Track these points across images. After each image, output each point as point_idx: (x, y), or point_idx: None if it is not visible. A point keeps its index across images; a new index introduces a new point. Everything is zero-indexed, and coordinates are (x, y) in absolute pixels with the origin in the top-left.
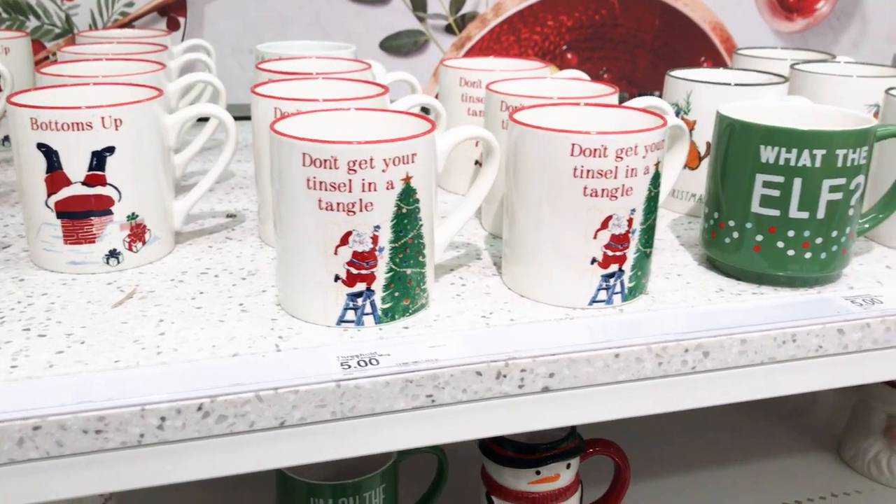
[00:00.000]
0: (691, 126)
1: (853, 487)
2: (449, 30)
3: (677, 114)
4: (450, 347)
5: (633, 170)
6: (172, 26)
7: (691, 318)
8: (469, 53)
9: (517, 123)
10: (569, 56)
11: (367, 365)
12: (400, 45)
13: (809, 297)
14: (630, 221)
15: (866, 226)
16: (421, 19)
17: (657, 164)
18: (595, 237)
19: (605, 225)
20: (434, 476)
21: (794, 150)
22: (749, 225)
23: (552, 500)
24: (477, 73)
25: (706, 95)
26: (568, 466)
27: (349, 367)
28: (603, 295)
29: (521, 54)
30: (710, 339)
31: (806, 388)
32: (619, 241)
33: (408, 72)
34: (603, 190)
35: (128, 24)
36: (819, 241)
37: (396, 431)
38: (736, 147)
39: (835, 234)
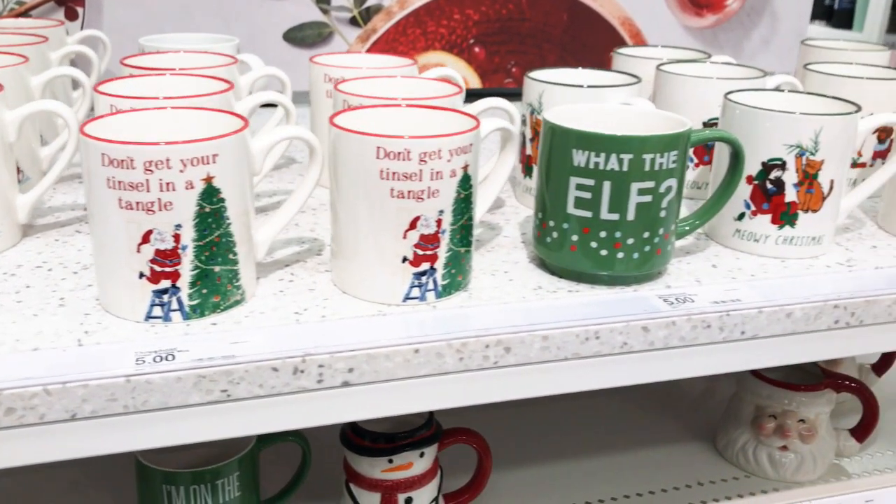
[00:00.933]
0: None
1: (723, 476)
2: (354, 22)
3: (532, 114)
4: (251, 344)
5: (437, 173)
6: (70, 16)
7: (499, 314)
8: (374, 46)
9: (332, 125)
10: (476, 50)
11: (163, 360)
12: (304, 37)
13: (624, 296)
14: (439, 222)
15: (686, 228)
16: (325, 11)
17: (465, 167)
18: (404, 237)
19: (413, 225)
20: (298, 465)
21: (603, 155)
22: (566, 225)
23: (406, 488)
24: (340, 69)
25: (558, 96)
26: (421, 455)
27: (143, 362)
28: (416, 292)
29: (427, 48)
30: (511, 335)
31: (610, 384)
32: (429, 241)
33: None
34: (409, 192)
35: (24, 14)
36: (630, 241)
37: (193, 425)
38: (554, 150)
39: (646, 235)
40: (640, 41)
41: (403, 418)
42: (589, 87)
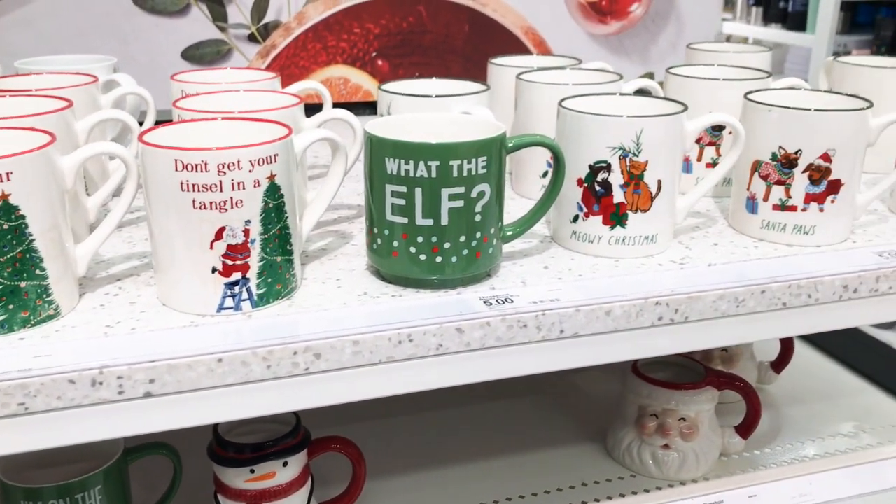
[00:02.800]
0: None
1: (609, 476)
2: (253, 38)
3: None
4: (52, 357)
5: (239, 183)
6: None
7: (315, 321)
8: (274, 62)
9: (139, 142)
10: (379, 63)
11: None
12: (202, 55)
13: (446, 299)
14: (246, 232)
15: (509, 233)
16: (222, 29)
17: (272, 177)
18: (211, 247)
19: (219, 236)
20: (171, 477)
21: (412, 162)
22: (386, 232)
23: (271, 498)
24: (195, 85)
25: (405, 106)
26: (285, 464)
27: None
28: (230, 302)
29: (329, 62)
30: (320, 341)
31: (426, 386)
32: (237, 251)
33: None
34: (211, 203)
35: None
36: (447, 245)
37: None
38: (373, 159)
39: (462, 239)
40: (544, 50)
41: (276, 427)
42: (437, 96)
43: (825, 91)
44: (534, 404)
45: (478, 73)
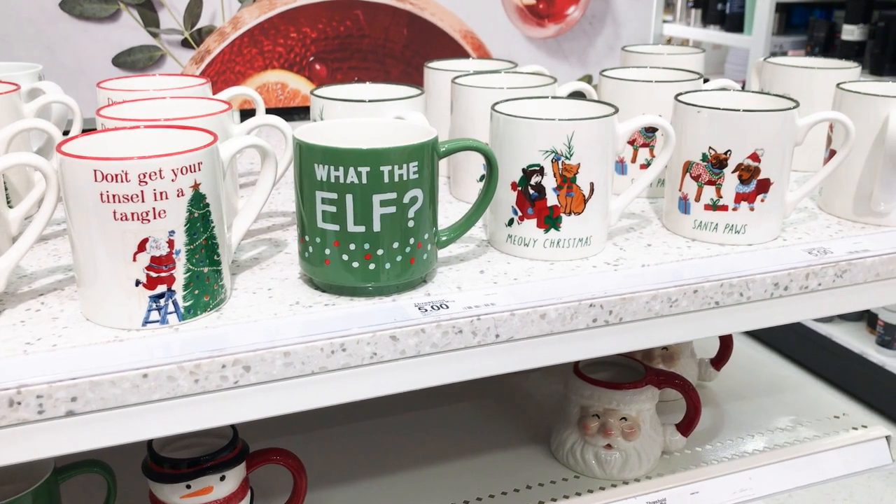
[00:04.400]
0: None
1: (553, 477)
2: (186, 44)
3: None
4: None
5: (162, 193)
6: None
7: (245, 333)
8: (209, 67)
9: (58, 152)
10: (317, 67)
11: None
12: (134, 62)
13: (380, 306)
14: (171, 243)
15: (443, 238)
16: (154, 34)
17: (196, 186)
18: (134, 259)
19: (142, 247)
20: (104, 496)
21: (342, 168)
22: (318, 240)
23: None
24: (121, 93)
25: (338, 111)
26: (223, 478)
27: None
28: (155, 315)
29: (266, 66)
30: (250, 353)
31: (362, 396)
32: (162, 263)
33: None
34: (132, 213)
35: None
36: (380, 252)
37: None
38: (302, 165)
39: (395, 245)
40: (483, 54)
41: (212, 441)
42: (370, 101)
43: (755, 92)
44: (477, 408)
45: (418, 78)
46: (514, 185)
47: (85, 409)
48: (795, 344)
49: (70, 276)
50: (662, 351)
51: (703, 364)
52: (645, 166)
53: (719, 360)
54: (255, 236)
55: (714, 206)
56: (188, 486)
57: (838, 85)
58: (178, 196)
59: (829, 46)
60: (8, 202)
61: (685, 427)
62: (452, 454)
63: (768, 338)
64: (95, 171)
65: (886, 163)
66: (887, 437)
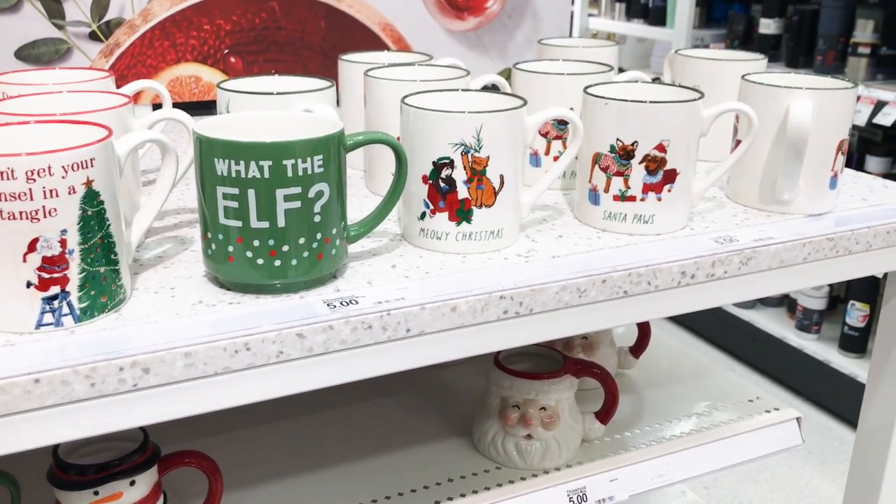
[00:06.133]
0: None
1: (475, 469)
2: (94, 37)
3: None
4: None
5: (52, 191)
6: None
7: (145, 335)
8: (119, 60)
9: None
10: (232, 60)
11: None
12: (39, 55)
13: (287, 303)
14: (63, 242)
15: (353, 233)
16: (59, 27)
17: (88, 182)
18: (24, 260)
19: (32, 247)
20: None
21: (243, 162)
22: (221, 236)
23: None
24: (18, 87)
25: (245, 105)
26: (132, 483)
27: None
28: (49, 318)
29: (178, 59)
30: (148, 355)
31: (268, 395)
32: (54, 263)
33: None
34: (21, 212)
35: None
36: (285, 248)
37: None
38: (203, 160)
39: (302, 241)
40: (403, 46)
41: (122, 445)
42: (278, 93)
43: (663, 84)
44: (398, 403)
45: (336, 71)
46: (425, 179)
47: None
48: (719, 329)
49: None
50: (582, 340)
51: (622, 352)
52: (558, 158)
53: (638, 348)
54: (160, 234)
55: (622, 197)
56: (96, 493)
57: (743, 76)
58: (69, 193)
59: (747, 40)
60: None
61: (604, 415)
62: (373, 450)
63: (693, 323)
64: None
65: (788, 152)
66: (797, 419)
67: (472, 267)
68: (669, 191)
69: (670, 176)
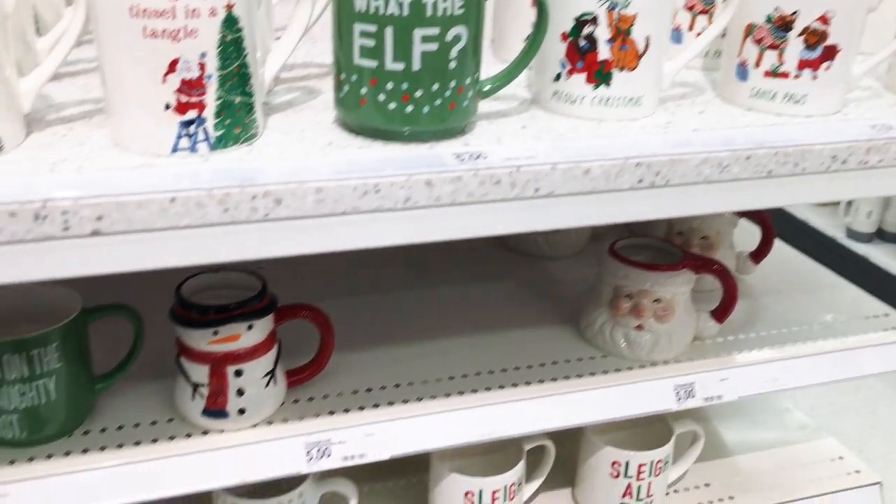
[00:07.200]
0: None
1: (581, 355)
2: None
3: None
4: None
5: (194, 10)
6: None
7: (276, 167)
8: None
9: None
10: None
11: None
12: None
13: (416, 152)
14: (202, 66)
15: (488, 88)
16: None
17: (229, 6)
18: (164, 81)
19: (172, 68)
20: (132, 340)
21: None
22: (354, 77)
23: (234, 360)
24: None
25: None
26: (250, 328)
27: None
28: (185, 143)
29: None
30: (281, 186)
31: (393, 241)
32: (192, 87)
33: None
34: (163, 30)
35: None
36: (419, 94)
37: None
38: None
39: (435, 87)
40: None
41: (240, 293)
42: None
43: None
44: (507, 287)
45: None
46: (563, 36)
47: (111, 229)
48: (832, 261)
49: (99, 107)
50: (701, 240)
51: (741, 257)
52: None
53: (758, 254)
54: (288, 83)
55: (774, 73)
56: (215, 333)
57: None
58: (210, 15)
59: None
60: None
61: (720, 314)
62: (481, 327)
63: (805, 249)
64: None
65: None
66: None
67: (606, 133)
68: (827, 69)
69: (830, 52)
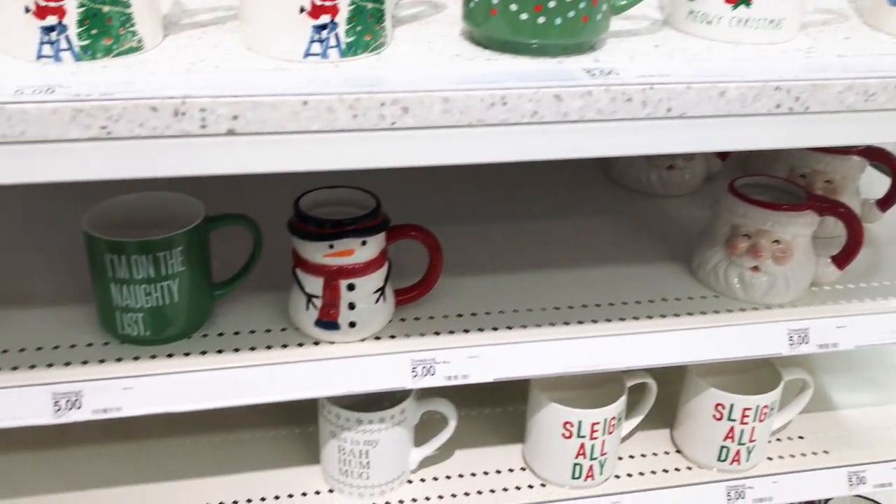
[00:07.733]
0: None
1: (692, 294)
2: None
3: None
4: (135, 85)
5: None
6: None
7: (403, 76)
8: None
9: None
10: None
11: (42, 93)
12: None
13: (544, 66)
14: None
15: (622, 2)
16: None
17: None
18: None
19: None
20: (251, 248)
21: None
22: None
23: (348, 274)
24: None
25: None
26: (364, 244)
27: (22, 93)
28: (317, 48)
29: None
30: (409, 94)
31: (519, 156)
32: None
33: None
34: None
35: None
36: (552, 4)
37: (73, 161)
38: None
39: None
40: None
41: (355, 211)
42: None
43: None
44: (617, 224)
45: None
46: None
47: (245, 129)
48: None
49: (231, 13)
50: (825, 184)
51: (866, 204)
52: None
53: (886, 202)
54: None
55: None
56: (331, 247)
57: None
58: None
59: None
60: None
61: (842, 259)
62: (588, 260)
63: None
64: None
65: None
66: None
67: (743, 56)
68: None
69: None
